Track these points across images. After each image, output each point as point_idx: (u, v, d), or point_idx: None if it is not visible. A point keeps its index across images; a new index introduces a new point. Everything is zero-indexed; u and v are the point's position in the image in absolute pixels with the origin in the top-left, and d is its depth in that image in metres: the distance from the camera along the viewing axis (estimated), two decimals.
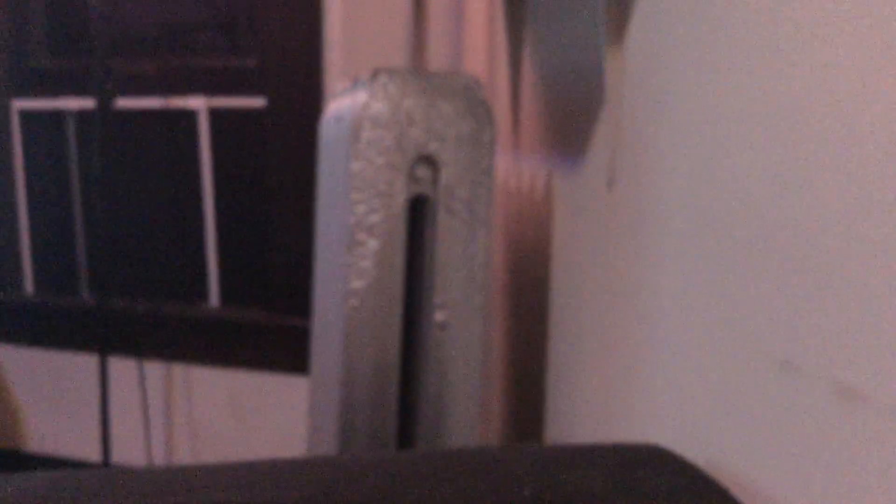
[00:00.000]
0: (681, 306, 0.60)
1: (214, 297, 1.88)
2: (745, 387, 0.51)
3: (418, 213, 0.77)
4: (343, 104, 0.81)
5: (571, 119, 0.83)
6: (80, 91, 1.87)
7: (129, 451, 1.78)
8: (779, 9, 0.48)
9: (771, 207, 0.48)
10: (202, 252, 1.87)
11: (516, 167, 1.04)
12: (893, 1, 0.39)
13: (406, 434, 0.81)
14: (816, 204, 0.44)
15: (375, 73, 0.74)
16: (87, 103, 1.83)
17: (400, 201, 0.75)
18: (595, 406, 0.77)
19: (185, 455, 1.80)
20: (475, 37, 1.21)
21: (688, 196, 0.59)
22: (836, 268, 0.42)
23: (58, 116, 1.95)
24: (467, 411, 0.79)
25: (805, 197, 0.45)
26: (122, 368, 1.76)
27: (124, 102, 1.78)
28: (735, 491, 0.49)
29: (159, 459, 1.81)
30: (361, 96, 0.75)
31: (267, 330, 1.74)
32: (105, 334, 1.64)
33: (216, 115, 1.81)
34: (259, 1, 1.67)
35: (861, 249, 0.40)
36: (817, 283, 0.43)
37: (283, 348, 1.72)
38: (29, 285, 2.03)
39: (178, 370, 1.80)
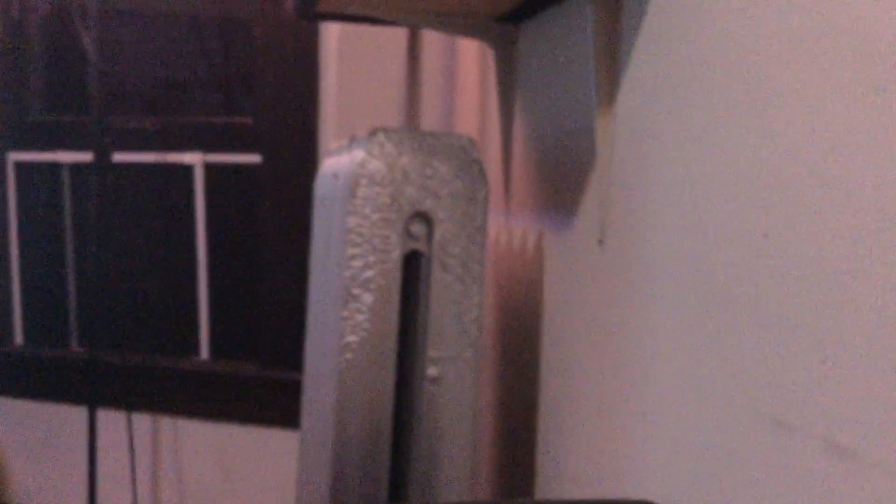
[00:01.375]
0: (673, 363, 0.61)
1: (205, 351, 1.88)
2: (737, 443, 0.51)
3: (413, 268, 0.79)
4: (340, 161, 0.82)
5: (562, 178, 0.85)
6: (76, 145, 1.89)
7: None
8: (765, 71, 0.50)
9: (761, 266, 0.49)
10: (194, 305, 1.87)
11: (507, 225, 1.06)
12: (878, 68, 0.41)
13: (397, 488, 0.80)
14: (806, 263, 0.45)
15: (373, 132, 0.76)
16: (84, 157, 1.85)
17: (395, 257, 0.76)
18: (586, 462, 0.77)
19: None
20: (467, 98, 1.24)
21: (678, 254, 0.60)
22: (828, 326, 0.43)
23: (53, 169, 1.97)
24: (459, 466, 0.79)
25: (794, 256, 0.46)
26: (111, 421, 1.74)
27: (121, 156, 1.80)
28: None
29: None
30: (358, 154, 0.76)
31: (256, 384, 1.73)
32: (94, 387, 1.63)
33: (212, 170, 1.83)
34: (256, 61, 1.71)
35: (851, 308, 0.41)
36: (808, 341, 0.44)
37: (273, 402, 1.71)
38: (19, 337, 2.02)
39: (167, 423, 1.78)
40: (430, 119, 1.40)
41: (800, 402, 0.45)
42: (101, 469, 1.69)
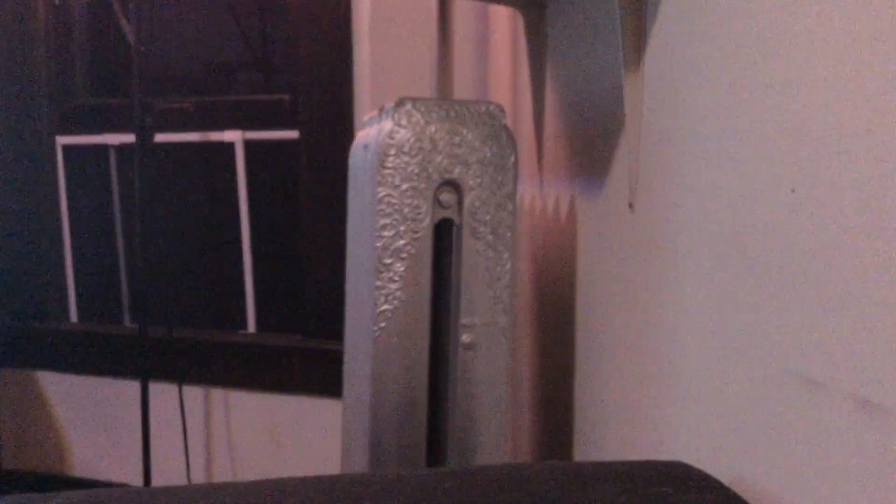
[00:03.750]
0: (704, 325, 0.61)
1: (251, 324, 1.92)
2: (769, 403, 0.51)
3: (444, 236, 0.79)
4: (370, 133, 0.83)
5: (593, 142, 0.85)
6: (121, 127, 1.93)
7: (169, 475, 1.82)
8: (790, 25, 0.49)
9: (791, 225, 0.49)
10: (240, 279, 1.91)
11: (541, 191, 1.06)
12: None
13: (435, 454, 0.82)
14: (837, 221, 0.44)
15: (400, 102, 0.77)
16: (129, 138, 1.89)
17: (425, 225, 0.77)
18: (621, 423, 0.77)
19: (224, 477, 1.83)
20: (499, 66, 1.24)
21: (709, 214, 0.60)
22: (857, 283, 0.42)
23: (100, 151, 2.02)
24: (495, 430, 0.80)
25: (825, 214, 0.45)
26: (163, 394, 1.79)
27: (164, 137, 1.84)
28: None
29: (199, 482, 1.83)
30: (387, 124, 0.77)
31: (302, 354, 1.77)
32: (146, 361, 1.68)
33: (252, 147, 1.86)
34: (292, 40, 1.72)
35: (882, 265, 0.41)
36: (838, 298, 0.44)
37: (318, 372, 1.74)
38: (73, 314, 2.08)
39: (217, 394, 1.83)
40: (462, 88, 1.40)
41: (830, 360, 0.44)
42: (155, 440, 1.75)
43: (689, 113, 0.63)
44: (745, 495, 0.51)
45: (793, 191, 0.49)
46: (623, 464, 0.57)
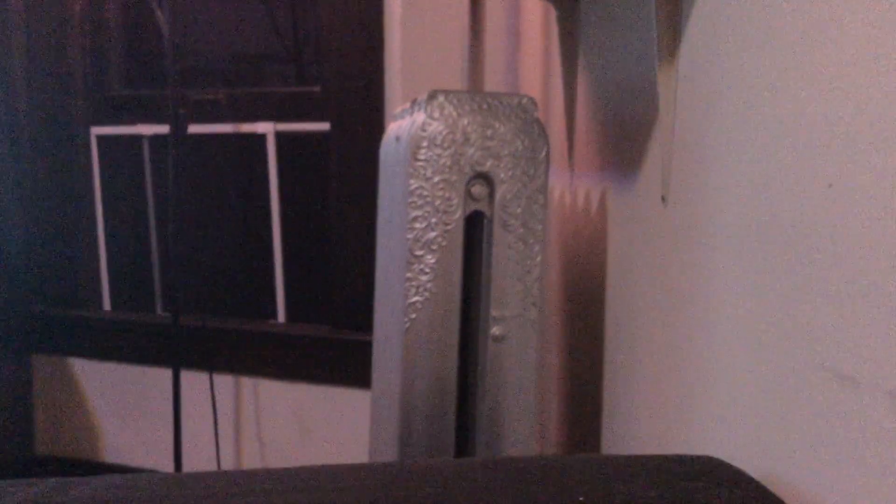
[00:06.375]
0: (737, 319, 0.60)
1: (281, 314, 1.93)
2: (801, 398, 0.51)
3: (475, 229, 0.79)
4: (402, 125, 0.83)
5: (625, 135, 0.85)
6: (155, 118, 1.96)
7: (199, 462, 1.84)
8: (828, 19, 0.49)
9: (827, 220, 0.48)
10: (270, 270, 1.93)
11: (572, 184, 1.06)
12: None
13: (463, 445, 0.82)
14: (873, 217, 0.44)
15: (433, 94, 0.77)
16: (162, 129, 1.91)
17: (457, 217, 0.77)
18: (651, 417, 0.77)
19: (253, 464, 1.85)
20: (531, 57, 1.23)
21: (742, 209, 0.59)
22: (892, 279, 0.42)
23: (133, 141, 2.04)
24: (524, 422, 0.80)
25: (861, 210, 0.45)
26: (194, 382, 1.81)
27: (196, 128, 1.85)
28: (791, 503, 0.50)
29: (228, 469, 1.85)
30: (419, 116, 0.77)
31: (331, 345, 1.78)
32: (178, 349, 1.70)
33: (283, 138, 1.87)
34: (323, 32, 1.73)
35: None
36: (872, 294, 0.44)
37: (347, 363, 1.75)
38: (106, 302, 2.11)
39: (247, 383, 1.85)
40: (494, 80, 1.39)
41: (864, 356, 0.44)
42: (186, 427, 1.77)
43: (724, 106, 0.62)
44: (776, 491, 0.51)
45: (830, 186, 0.48)
46: (654, 458, 0.57)
